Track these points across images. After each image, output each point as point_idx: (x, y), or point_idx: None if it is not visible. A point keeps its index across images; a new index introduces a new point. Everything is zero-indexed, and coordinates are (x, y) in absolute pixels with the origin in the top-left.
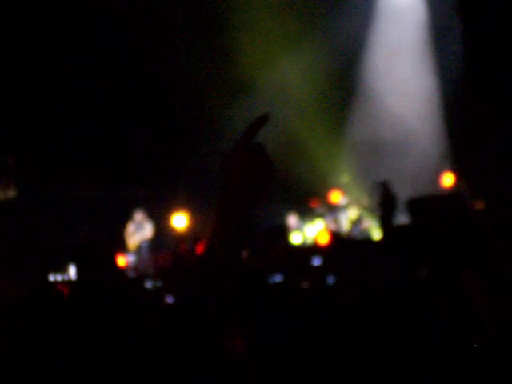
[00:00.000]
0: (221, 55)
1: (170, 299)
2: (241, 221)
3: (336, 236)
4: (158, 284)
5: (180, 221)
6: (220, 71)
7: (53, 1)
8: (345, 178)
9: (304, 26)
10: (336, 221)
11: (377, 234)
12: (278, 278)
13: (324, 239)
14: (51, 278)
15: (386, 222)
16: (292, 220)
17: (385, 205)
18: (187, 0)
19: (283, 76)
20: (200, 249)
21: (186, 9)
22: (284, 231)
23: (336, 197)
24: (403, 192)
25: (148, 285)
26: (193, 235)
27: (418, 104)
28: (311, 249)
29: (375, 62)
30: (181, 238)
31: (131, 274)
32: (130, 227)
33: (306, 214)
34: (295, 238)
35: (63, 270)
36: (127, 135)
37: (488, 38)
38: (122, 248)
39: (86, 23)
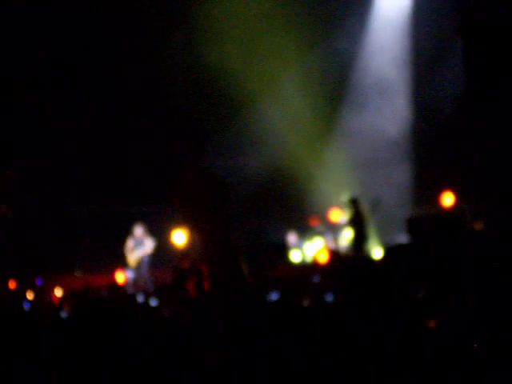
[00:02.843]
0: (214, 71)
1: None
2: (219, 238)
3: (335, 255)
4: (152, 300)
5: (180, 237)
6: (217, 89)
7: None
8: (345, 197)
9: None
10: (335, 239)
11: (376, 253)
12: (275, 296)
13: (323, 258)
14: None
15: (357, 240)
16: (291, 238)
17: (355, 222)
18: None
19: (279, 93)
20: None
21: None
22: (283, 249)
23: (336, 216)
24: (403, 211)
25: (140, 299)
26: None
27: (416, 123)
28: (310, 267)
29: (369, 77)
30: (182, 254)
31: (130, 291)
32: (130, 243)
33: (306, 232)
34: (295, 256)
35: None
36: (127, 150)
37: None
38: (123, 264)
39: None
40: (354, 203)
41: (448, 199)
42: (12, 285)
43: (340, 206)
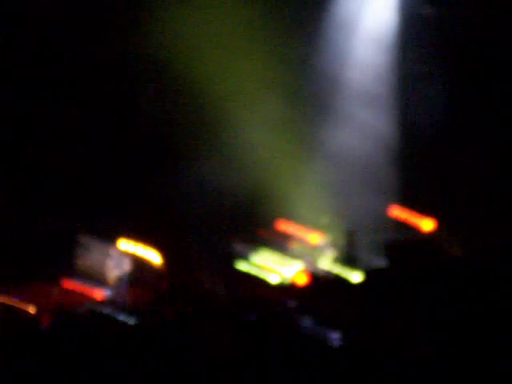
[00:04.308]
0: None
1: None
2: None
3: (314, 277)
4: (131, 319)
5: (154, 257)
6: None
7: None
8: (324, 219)
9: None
10: (314, 262)
11: (353, 277)
12: (252, 317)
13: (302, 280)
14: None
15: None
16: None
17: (348, 256)
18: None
19: (256, 111)
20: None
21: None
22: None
23: (315, 238)
24: (381, 235)
25: (121, 318)
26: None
27: (397, 146)
28: (288, 289)
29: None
30: (160, 274)
31: (107, 310)
32: (110, 263)
33: (285, 253)
34: (273, 278)
35: None
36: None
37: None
38: (101, 282)
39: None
40: (349, 236)
41: (427, 224)
42: None
43: (319, 229)
